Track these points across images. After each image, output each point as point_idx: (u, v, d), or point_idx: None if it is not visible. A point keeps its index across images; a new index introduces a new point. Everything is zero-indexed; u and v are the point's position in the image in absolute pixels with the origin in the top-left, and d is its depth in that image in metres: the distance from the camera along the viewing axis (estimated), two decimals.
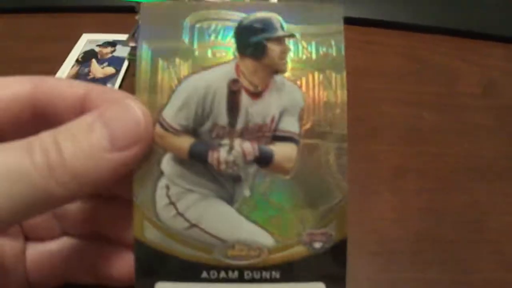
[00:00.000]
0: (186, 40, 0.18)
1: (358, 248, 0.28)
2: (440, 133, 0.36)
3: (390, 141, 0.35)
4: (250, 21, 0.19)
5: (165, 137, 0.18)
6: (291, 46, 0.18)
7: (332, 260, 0.18)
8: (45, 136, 0.16)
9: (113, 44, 0.40)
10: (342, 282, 0.18)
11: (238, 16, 0.19)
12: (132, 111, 0.17)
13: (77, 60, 0.38)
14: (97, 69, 0.37)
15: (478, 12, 0.48)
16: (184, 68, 0.18)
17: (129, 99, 0.18)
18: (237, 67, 0.18)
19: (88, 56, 0.39)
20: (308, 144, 0.18)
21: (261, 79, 0.18)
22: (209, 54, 0.18)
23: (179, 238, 0.18)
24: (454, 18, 0.47)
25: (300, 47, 0.19)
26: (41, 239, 0.21)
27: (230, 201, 0.18)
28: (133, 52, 0.31)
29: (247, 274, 0.18)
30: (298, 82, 0.18)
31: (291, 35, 0.19)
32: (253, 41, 0.18)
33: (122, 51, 0.38)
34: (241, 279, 0.18)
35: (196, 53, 0.18)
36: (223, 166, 0.18)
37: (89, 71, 0.37)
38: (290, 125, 0.18)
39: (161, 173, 0.18)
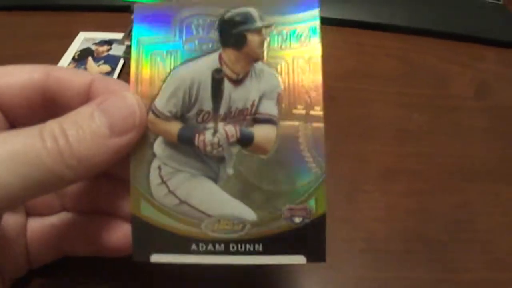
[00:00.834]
0: (175, 35, 0.20)
1: (347, 246, 0.28)
2: (431, 135, 0.37)
3: (382, 142, 0.35)
4: (231, 14, 0.20)
5: (156, 123, 0.20)
6: (269, 36, 0.20)
7: (312, 234, 0.20)
8: (53, 124, 0.17)
9: (109, 42, 0.40)
10: (322, 255, 0.20)
11: (220, 10, 0.20)
12: (128, 101, 0.19)
13: (73, 58, 0.39)
14: (93, 67, 0.37)
15: (470, 15, 0.48)
16: (173, 60, 0.20)
17: (126, 91, 0.20)
18: (220, 57, 0.20)
19: (84, 54, 0.39)
20: (286, 125, 0.20)
21: (242, 67, 0.20)
22: (195, 47, 0.20)
23: (171, 214, 0.20)
24: (446, 21, 0.47)
25: (278, 36, 0.20)
26: (41, 214, 0.23)
27: (215, 179, 0.20)
28: (128, 51, 0.32)
29: (232, 247, 0.20)
30: (277, 69, 0.20)
31: (269, 25, 0.20)
32: (234, 33, 0.20)
33: (117, 50, 0.38)
34: (227, 251, 0.20)
35: (183, 46, 0.20)
36: (208, 148, 0.20)
37: (85, 69, 0.37)
38: (269, 108, 0.20)
39: (154, 156, 0.20)
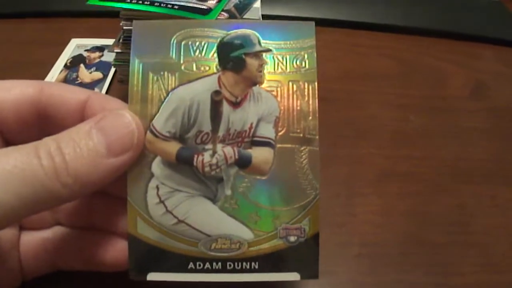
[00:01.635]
0: (173, 55, 0.21)
1: (343, 250, 0.28)
2: (427, 136, 0.36)
3: (377, 144, 0.35)
4: (230, 37, 0.21)
5: (155, 143, 0.20)
6: (268, 60, 0.21)
7: (306, 252, 0.21)
8: (49, 141, 0.18)
9: (101, 49, 0.40)
10: (315, 272, 0.21)
11: (220, 33, 0.21)
12: (127, 120, 0.19)
13: (65, 65, 0.39)
14: (85, 74, 0.37)
15: (467, 14, 0.48)
16: (171, 81, 0.20)
17: (124, 110, 0.20)
18: (219, 80, 0.21)
19: (76, 61, 0.39)
20: (283, 148, 0.21)
21: (241, 90, 0.21)
22: (194, 68, 0.21)
23: (168, 233, 0.20)
24: (442, 20, 0.47)
25: (276, 61, 0.21)
26: (34, 228, 0.23)
27: (213, 199, 0.21)
28: (118, 58, 0.31)
29: (229, 265, 0.20)
30: (274, 93, 0.21)
31: (268, 50, 0.21)
32: (233, 56, 0.21)
33: (109, 56, 0.38)
34: (223, 270, 0.20)
35: (183, 67, 0.21)
36: (207, 168, 0.20)
37: (77, 76, 0.37)
38: (266, 131, 0.21)
39: (152, 175, 0.20)
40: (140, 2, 0.29)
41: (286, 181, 0.21)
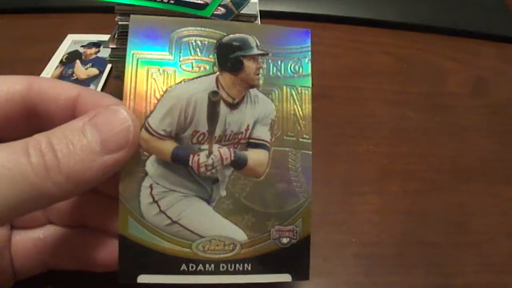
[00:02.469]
0: (171, 53, 0.21)
1: (340, 250, 0.28)
2: (427, 134, 0.36)
3: (376, 142, 0.35)
4: (229, 39, 0.21)
5: (150, 141, 0.20)
6: (265, 64, 0.21)
7: (297, 254, 0.21)
8: (40, 138, 0.17)
9: (97, 44, 0.39)
10: (306, 274, 0.21)
11: (218, 34, 0.21)
12: (122, 116, 0.18)
13: (61, 61, 0.38)
14: (80, 71, 0.37)
15: (467, 10, 0.47)
16: (168, 78, 0.20)
17: (119, 106, 0.19)
18: (217, 80, 0.21)
19: (72, 57, 0.39)
20: (278, 151, 0.21)
21: (238, 92, 0.21)
22: (192, 67, 0.21)
23: (161, 234, 0.20)
24: (443, 16, 0.46)
25: (273, 65, 0.21)
26: (25, 227, 0.22)
27: (208, 200, 0.20)
28: (113, 54, 0.31)
29: (222, 267, 0.20)
30: (270, 96, 0.21)
31: (265, 54, 0.21)
32: (231, 57, 0.21)
33: (106, 52, 0.37)
34: (216, 271, 0.20)
35: (180, 65, 0.20)
36: (202, 169, 0.20)
37: (73, 72, 0.37)
38: (262, 133, 0.21)
39: (146, 174, 0.20)
40: None
41: (280, 184, 0.21)
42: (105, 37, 0.40)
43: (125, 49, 0.20)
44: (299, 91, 0.21)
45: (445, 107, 0.39)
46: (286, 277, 0.21)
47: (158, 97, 0.20)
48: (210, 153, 0.20)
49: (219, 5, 0.30)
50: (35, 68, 0.38)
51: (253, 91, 0.21)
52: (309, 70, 0.21)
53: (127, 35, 0.20)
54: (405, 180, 0.32)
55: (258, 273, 0.20)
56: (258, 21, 0.32)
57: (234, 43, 0.21)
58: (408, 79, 0.41)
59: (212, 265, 0.20)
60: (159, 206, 0.20)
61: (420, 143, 0.35)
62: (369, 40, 0.45)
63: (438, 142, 0.36)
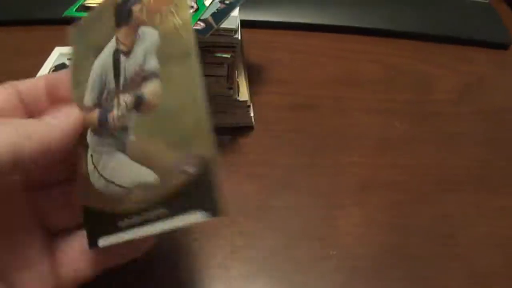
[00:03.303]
0: (97, 38, 0.22)
1: (322, 264, 0.27)
2: (412, 143, 0.36)
3: (360, 152, 0.34)
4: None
5: (86, 117, 0.22)
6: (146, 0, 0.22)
7: (206, 185, 0.18)
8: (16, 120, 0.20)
9: None
10: (216, 209, 0.18)
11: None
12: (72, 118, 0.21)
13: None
14: None
15: (454, 16, 0.47)
16: (92, 59, 0.22)
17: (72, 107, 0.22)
18: (116, 39, 0.22)
19: (59, 70, 0.38)
20: (165, 73, 0.20)
21: (131, 39, 0.21)
22: (103, 38, 0.22)
23: (104, 196, 0.21)
24: (429, 23, 0.46)
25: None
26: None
27: (124, 150, 0.21)
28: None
29: (145, 216, 0.20)
30: (153, 24, 0.21)
31: None
32: (123, 11, 0.22)
33: None
34: (141, 223, 0.20)
35: (100, 43, 0.22)
36: (117, 122, 0.21)
37: None
38: (151, 63, 0.20)
39: (87, 146, 0.22)
40: None
41: (175, 111, 0.19)
42: None
43: None
44: (176, 3, 0.20)
45: (432, 115, 0.38)
46: (199, 217, 0.18)
47: (87, 78, 0.22)
48: (119, 104, 0.21)
49: (199, 20, 0.30)
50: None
51: (141, 29, 0.21)
52: None
53: None
54: (389, 191, 0.32)
55: (175, 215, 0.19)
56: (239, 35, 0.32)
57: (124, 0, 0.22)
58: (395, 87, 0.41)
59: (137, 217, 0.20)
60: (98, 171, 0.21)
61: (405, 152, 0.35)
62: (356, 48, 0.45)
63: (424, 151, 0.35)
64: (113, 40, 0.22)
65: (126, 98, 0.21)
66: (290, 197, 0.32)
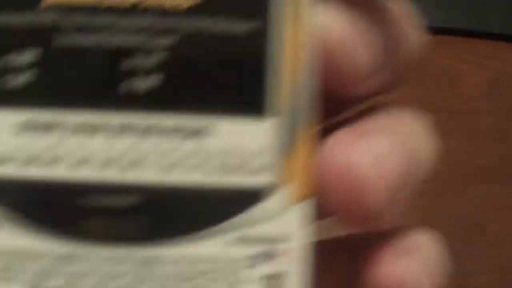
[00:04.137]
0: None
1: None
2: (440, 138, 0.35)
3: None
4: None
5: None
6: None
7: None
8: None
9: None
10: None
11: None
12: None
13: None
14: None
15: (483, 9, 0.46)
16: None
17: None
18: None
19: None
20: None
21: None
22: None
23: None
24: (457, 16, 0.45)
25: None
26: None
27: None
28: None
29: None
30: None
31: None
32: None
33: None
34: None
35: None
36: None
37: None
38: None
39: None
40: None
41: None
42: None
43: None
44: None
45: (459, 111, 0.38)
46: None
47: None
48: None
49: None
50: None
51: None
52: None
53: None
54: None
55: None
56: None
57: None
58: (421, 83, 0.40)
59: None
60: None
61: None
62: None
63: (450, 145, 0.35)
64: None
65: None
66: None
